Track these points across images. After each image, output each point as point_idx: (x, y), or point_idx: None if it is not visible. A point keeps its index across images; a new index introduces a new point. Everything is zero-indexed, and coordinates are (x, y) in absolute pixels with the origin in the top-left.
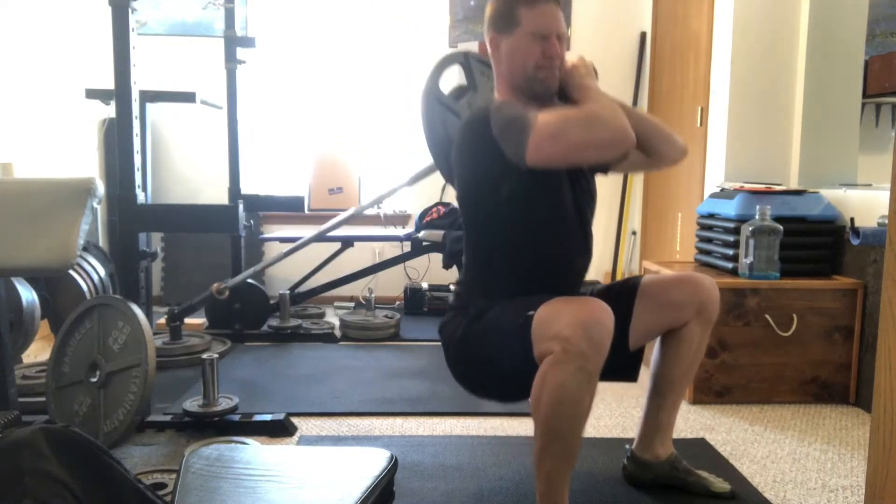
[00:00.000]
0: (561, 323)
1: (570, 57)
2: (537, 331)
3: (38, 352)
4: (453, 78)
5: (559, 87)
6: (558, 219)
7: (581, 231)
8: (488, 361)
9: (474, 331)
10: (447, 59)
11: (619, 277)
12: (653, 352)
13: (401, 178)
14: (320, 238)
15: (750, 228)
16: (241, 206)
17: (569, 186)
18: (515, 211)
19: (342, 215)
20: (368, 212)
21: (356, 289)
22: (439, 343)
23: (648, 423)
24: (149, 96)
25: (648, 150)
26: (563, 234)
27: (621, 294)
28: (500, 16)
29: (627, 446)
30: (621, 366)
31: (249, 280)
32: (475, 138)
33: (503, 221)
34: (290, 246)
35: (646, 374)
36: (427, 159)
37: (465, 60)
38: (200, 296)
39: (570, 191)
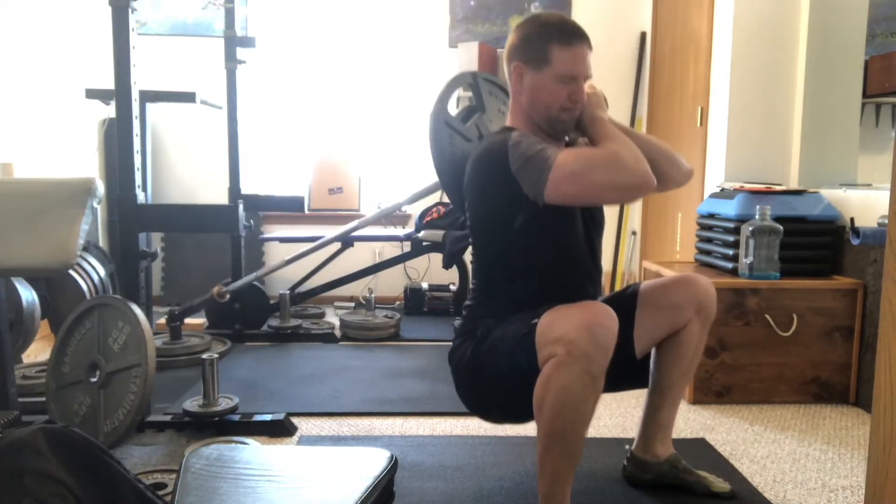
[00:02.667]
0: (565, 326)
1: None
2: (541, 337)
3: (38, 352)
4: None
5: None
6: (569, 249)
7: (591, 261)
8: (496, 378)
9: (481, 350)
10: (455, 80)
11: (619, 277)
12: (651, 352)
13: (403, 191)
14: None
15: (750, 228)
16: (241, 206)
17: (580, 218)
18: (527, 241)
19: (347, 227)
20: (368, 212)
21: (356, 289)
22: (439, 343)
23: (648, 423)
24: (149, 96)
25: (655, 174)
26: (574, 263)
27: (621, 303)
28: (531, 48)
29: (627, 446)
30: (631, 374)
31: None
32: (490, 169)
33: (514, 250)
34: (292, 254)
35: None
36: (430, 177)
37: (473, 81)
38: (200, 298)
39: (581, 221)
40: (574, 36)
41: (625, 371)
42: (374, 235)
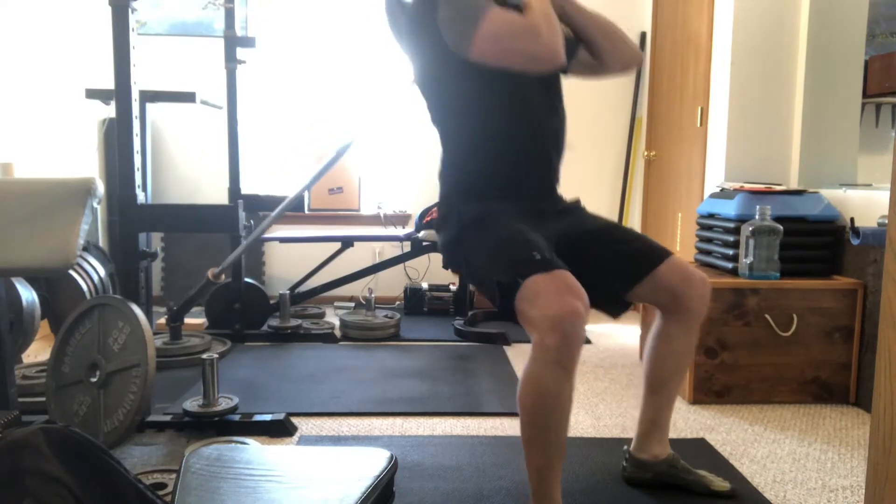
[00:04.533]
0: (538, 311)
1: None
2: (521, 302)
3: (38, 352)
4: None
5: None
6: (518, 85)
7: (547, 98)
8: (480, 268)
9: (468, 239)
10: None
11: None
12: (644, 351)
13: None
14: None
15: (750, 228)
16: (241, 206)
17: (536, 81)
18: (471, 84)
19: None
20: (368, 212)
21: (356, 289)
22: (439, 343)
23: (645, 423)
24: (149, 96)
25: (596, 52)
26: (526, 100)
27: (647, 256)
28: None
29: (626, 447)
30: (611, 305)
31: (249, 280)
32: (421, 12)
33: (461, 98)
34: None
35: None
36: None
37: None
38: (197, 287)
39: (538, 83)
40: None
41: (607, 300)
42: (374, 235)
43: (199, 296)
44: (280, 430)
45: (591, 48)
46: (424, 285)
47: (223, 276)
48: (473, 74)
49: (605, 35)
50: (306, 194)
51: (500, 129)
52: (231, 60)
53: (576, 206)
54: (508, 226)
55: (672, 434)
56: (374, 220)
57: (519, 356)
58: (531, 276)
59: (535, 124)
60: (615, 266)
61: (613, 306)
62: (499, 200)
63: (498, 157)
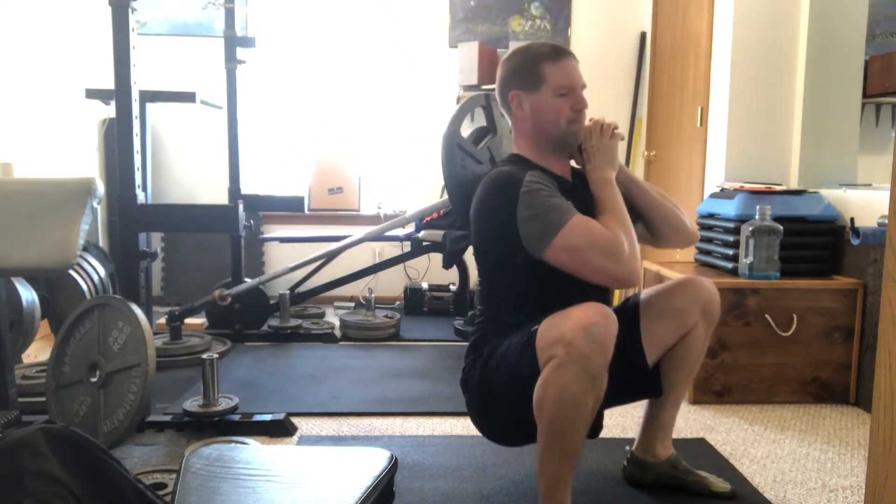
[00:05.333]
0: (563, 328)
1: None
2: (541, 340)
3: (38, 352)
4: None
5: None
6: (572, 284)
7: (600, 296)
8: (503, 391)
9: (489, 367)
10: (469, 103)
11: None
12: None
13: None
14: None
15: (750, 228)
16: (241, 206)
17: None
18: (529, 275)
19: (351, 239)
20: (368, 212)
21: (356, 289)
22: (439, 343)
23: (650, 424)
24: (149, 96)
25: (654, 233)
26: (579, 294)
27: (623, 315)
28: (524, 73)
29: (627, 448)
30: (644, 384)
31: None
32: (498, 207)
33: (517, 282)
34: (297, 261)
35: None
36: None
37: (486, 103)
38: (201, 300)
39: None
40: (560, 52)
41: (637, 381)
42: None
43: (201, 309)
44: (280, 430)
45: (649, 227)
46: (424, 285)
47: (228, 299)
48: (538, 269)
49: (667, 220)
50: (306, 194)
51: (549, 308)
52: (231, 60)
53: None
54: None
55: (672, 434)
56: (374, 220)
57: None
58: (545, 319)
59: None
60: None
61: (648, 383)
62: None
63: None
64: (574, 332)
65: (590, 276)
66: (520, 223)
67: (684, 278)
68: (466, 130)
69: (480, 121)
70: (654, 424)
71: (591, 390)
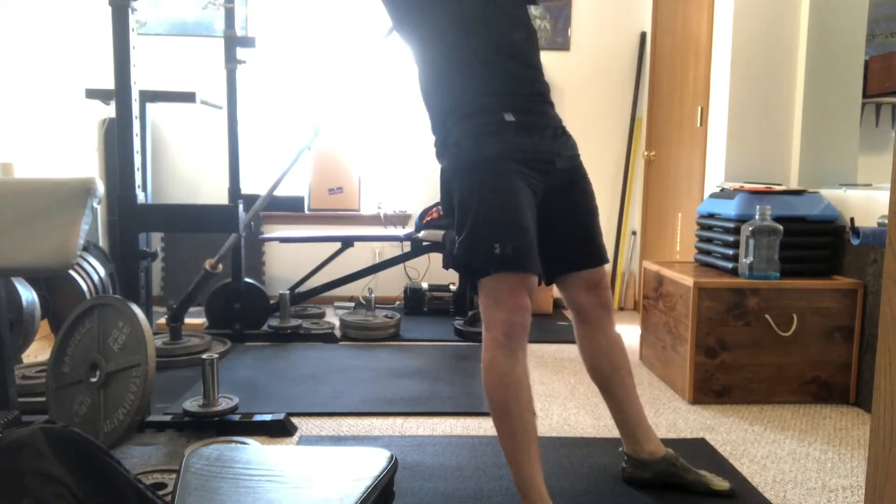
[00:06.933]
0: (495, 304)
1: None
2: (484, 285)
3: (38, 352)
4: None
5: None
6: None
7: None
8: (464, 226)
9: (467, 186)
10: None
11: (619, 277)
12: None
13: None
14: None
15: (750, 228)
16: (241, 206)
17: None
18: (441, 7)
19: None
20: (368, 212)
21: (356, 289)
22: (439, 343)
23: (619, 422)
24: (149, 96)
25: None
26: (491, 16)
27: (585, 256)
28: None
29: (621, 449)
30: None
31: (249, 280)
32: None
33: (435, 25)
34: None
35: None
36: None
37: None
38: (195, 281)
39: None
40: None
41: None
42: (374, 235)
43: (199, 289)
44: (280, 430)
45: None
46: (424, 285)
47: (220, 267)
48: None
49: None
50: (306, 194)
51: (472, 45)
52: (231, 60)
53: (575, 175)
54: (507, 197)
55: (672, 434)
56: (374, 220)
57: None
58: (503, 271)
59: (499, 37)
60: (561, 247)
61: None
62: (493, 136)
63: (476, 71)
64: (496, 317)
65: None
66: None
67: (605, 294)
68: None
69: None
70: (624, 421)
71: (515, 361)
